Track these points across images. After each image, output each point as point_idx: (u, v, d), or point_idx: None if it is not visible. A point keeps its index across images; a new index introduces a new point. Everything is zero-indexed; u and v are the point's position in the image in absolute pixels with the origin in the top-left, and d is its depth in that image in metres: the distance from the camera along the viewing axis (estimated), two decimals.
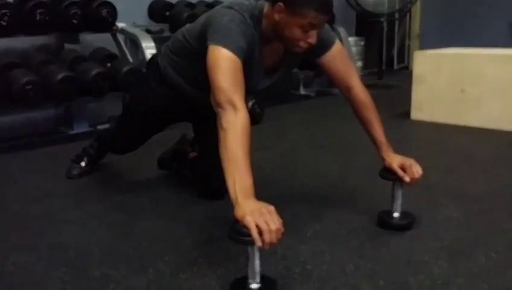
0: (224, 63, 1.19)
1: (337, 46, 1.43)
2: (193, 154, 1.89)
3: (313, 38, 1.26)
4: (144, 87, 1.74)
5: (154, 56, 1.75)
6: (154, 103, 1.63)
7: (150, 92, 1.65)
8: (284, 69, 1.48)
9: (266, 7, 1.31)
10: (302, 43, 1.27)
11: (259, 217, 0.97)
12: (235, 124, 1.11)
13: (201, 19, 1.39)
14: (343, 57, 1.47)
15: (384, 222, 1.44)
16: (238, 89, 1.17)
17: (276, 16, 1.26)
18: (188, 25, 1.52)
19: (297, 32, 1.25)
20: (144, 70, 1.94)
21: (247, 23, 1.28)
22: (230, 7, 1.30)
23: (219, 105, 1.15)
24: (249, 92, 1.27)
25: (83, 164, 2.00)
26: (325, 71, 1.46)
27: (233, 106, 1.13)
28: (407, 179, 1.35)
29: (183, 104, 1.61)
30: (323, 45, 1.40)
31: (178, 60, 1.54)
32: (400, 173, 1.36)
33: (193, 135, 1.92)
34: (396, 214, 1.43)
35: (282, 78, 1.50)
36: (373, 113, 1.44)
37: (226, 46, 1.20)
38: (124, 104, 2.59)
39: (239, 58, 1.21)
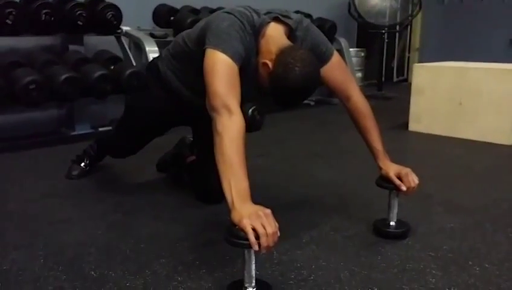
0: (221, 68, 1.19)
1: (335, 58, 1.45)
2: (191, 158, 1.90)
3: None
4: (143, 91, 1.75)
5: (154, 60, 1.75)
6: (154, 106, 1.64)
7: (149, 95, 1.66)
8: None
9: (267, 28, 1.30)
10: None
11: (256, 220, 0.96)
12: (230, 128, 1.11)
13: (201, 23, 1.39)
14: (342, 68, 1.49)
15: (380, 230, 1.45)
16: (234, 93, 1.17)
17: (261, 68, 1.27)
18: (188, 30, 1.53)
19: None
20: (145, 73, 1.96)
21: (246, 30, 1.27)
22: (230, 13, 1.30)
23: (214, 109, 1.15)
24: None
25: (83, 164, 2.02)
26: (325, 82, 1.47)
27: (229, 110, 1.13)
28: (403, 187, 1.36)
29: (182, 108, 1.61)
30: (322, 58, 1.41)
31: (177, 64, 1.55)
32: (397, 181, 1.37)
33: (192, 139, 1.94)
34: (392, 223, 1.45)
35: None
36: (371, 122, 1.45)
37: (223, 50, 1.20)
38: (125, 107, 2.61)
39: (236, 64, 1.21)
